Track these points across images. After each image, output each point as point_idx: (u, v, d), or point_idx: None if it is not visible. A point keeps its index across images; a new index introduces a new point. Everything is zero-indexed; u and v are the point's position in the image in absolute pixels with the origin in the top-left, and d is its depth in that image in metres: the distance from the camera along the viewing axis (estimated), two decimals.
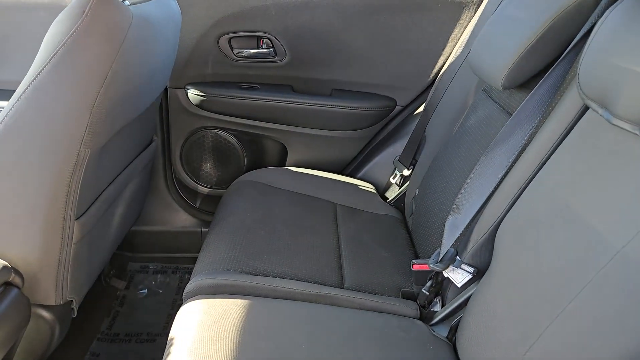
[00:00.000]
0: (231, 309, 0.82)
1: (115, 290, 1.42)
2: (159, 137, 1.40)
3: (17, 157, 0.77)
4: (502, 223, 0.79)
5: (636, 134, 0.56)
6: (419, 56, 1.39)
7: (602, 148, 0.63)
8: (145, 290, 1.46)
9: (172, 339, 0.77)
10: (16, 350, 0.86)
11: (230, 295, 0.86)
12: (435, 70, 1.40)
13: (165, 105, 1.42)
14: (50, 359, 1.01)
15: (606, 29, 0.64)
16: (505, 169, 0.82)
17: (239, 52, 1.39)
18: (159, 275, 1.51)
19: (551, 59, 0.82)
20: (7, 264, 0.76)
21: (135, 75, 0.84)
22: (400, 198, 1.38)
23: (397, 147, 1.44)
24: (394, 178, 1.42)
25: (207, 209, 1.56)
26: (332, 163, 1.52)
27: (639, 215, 0.54)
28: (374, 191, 1.42)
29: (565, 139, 0.72)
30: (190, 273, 1.43)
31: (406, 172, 1.36)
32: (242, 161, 1.53)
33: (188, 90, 1.41)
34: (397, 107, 1.47)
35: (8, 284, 0.76)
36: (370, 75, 1.43)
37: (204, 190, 1.56)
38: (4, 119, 0.76)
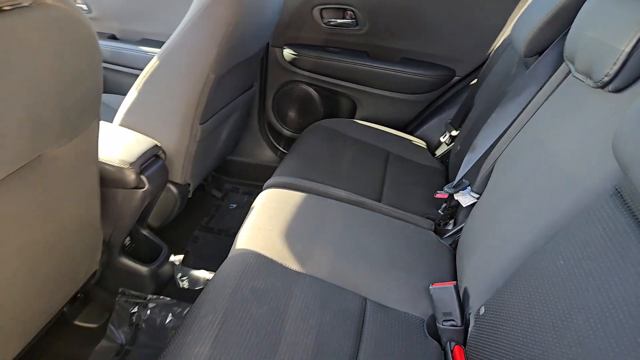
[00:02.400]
0: (290, 197, 1.16)
1: (214, 200, 1.85)
2: (258, 84, 1.78)
3: (170, 76, 1.17)
4: (499, 158, 1.03)
5: (585, 83, 0.78)
6: (480, 31, 1.59)
7: (568, 97, 0.85)
8: (235, 205, 1.87)
9: (246, 217, 1.13)
10: (153, 207, 1.29)
11: (293, 190, 1.20)
12: (493, 46, 1.60)
13: (265, 60, 1.79)
14: (168, 227, 1.45)
15: (587, 7, 0.85)
16: (514, 117, 1.05)
17: (328, 21, 1.71)
18: (246, 196, 1.92)
19: (563, 32, 1.02)
20: (158, 143, 1.18)
21: (248, 26, 1.20)
22: (447, 155, 1.62)
23: (451, 112, 1.68)
24: (443, 137, 1.66)
25: (287, 149, 1.93)
26: (393, 120, 1.80)
27: (586, 144, 0.77)
28: (425, 147, 1.68)
29: (552, 95, 0.94)
30: None
31: (454, 133, 1.60)
32: (319, 112, 1.86)
33: (284, 49, 1.77)
34: (455, 77, 1.69)
35: (157, 157, 1.18)
36: (435, 47, 1.67)
37: (287, 133, 1.92)
38: (163, 52, 1.17)
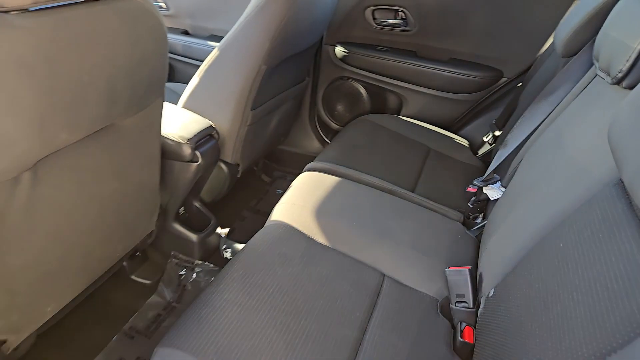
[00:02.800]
0: (325, 180, 1.26)
1: (263, 184, 1.99)
2: (310, 78, 1.89)
3: (226, 66, 1.31)
4: (526, 153, 1.06)
5: (605, 80, 0.81)
6: (529, 35, 1.59)
7: (591, 94, 0.87)
8: (281, 191, 2.00)
9: (284, 193, 1.24)
10: (205, 182, 1.44)
11: (329, 175, 1.30)
12: (541, 49, 1.59)
13: (318, 56, 1.90)
14: (219, 204, 1.60)
15: (616, 8, 0.86)
16: (545, 115, 1.07)
17: (380, 21, 1.79)
18: None
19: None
20: (213, 124, 1.32)
21: (300, 23, 1.31)
22: (489, 154, 1.64)
23: (496, 112, 1.69)
24: (487, 137, 1.67)
25: None
26: (438, 118, 1.83)
27: (601, 138, 0.80)
28: (467, 146, 1.70)
29: (580, 93, 0.95)
30: None
31: (497, 133, 1.61)
32: (366, 107, 1.94)
33: (336, 47, 1.87)
34: (502, 78, 1.70)
35: (211, 136, 1.32)
36: (484, 49, 1.69)
37: (334, 126, 2.02)
38: (222, 44, 1.31)
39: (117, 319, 1.27)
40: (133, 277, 1.38)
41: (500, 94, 1.72)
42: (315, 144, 2.04)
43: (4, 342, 0.84)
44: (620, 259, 0.56)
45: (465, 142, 1.72)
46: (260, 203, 1.87)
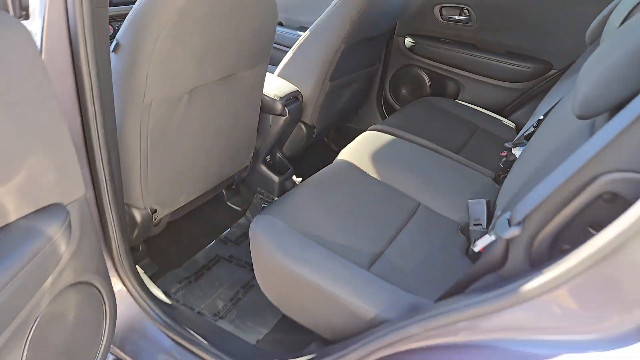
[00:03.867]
0: (383, 137, 1.57)
1: (332, 153, 2.34)
2: (381, 64, 2.22)
3: (314, 43, 1.68)
4: (545, 119, 1.30)
5: None
6: (579, 29, 1.78)
7: None
8: None
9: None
10: (288, 136, 1.82)
11: (387, 134, 1.61)
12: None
13: (390, 46, 2.22)
14: (296, 161, 1.97)
15: None
16: (569, 89, 1.31)
17: (447, 17, 2.07)
18: None
19: None
20: (299, 90, 1.70)
21: (374, 10, 1.64)
22: (531, 135, 1.85)
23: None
24: (532, 120, 1.89)
25: None
26: (491, 103, 2.07)
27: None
28: (514, 128, 1.93)
29: None
30: None
31: (541, 117, 1.82)
32: (427, 92, 2.22)
33: (406, 38, 2.18)
34: (552, 70, 1.91)
35: (296, 98, 1.70)
36: (537, 43, 1.90)
37: (398, 108, 2.32)
38: (313, 27, 1.67)
39: (216, 230, 1.69)
40: (229, 203, 1.79)
41: (550, 84, 1.93)
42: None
43: (155, 211, 1.27)
44: None
45: (512, 125, 1.95)
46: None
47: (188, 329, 1.13)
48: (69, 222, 0.69)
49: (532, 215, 0.69)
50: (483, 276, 0.77)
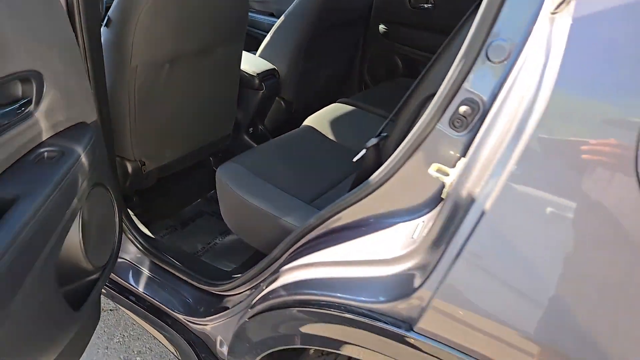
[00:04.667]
0: (346, 108, 1.79)
1: None
2: (359, 51, 2.44)
3: (287, 26, 1.91)
4: None
5: None
6: None
7: None
8: None
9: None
10: (268, 110, 2.05)
11: (350, 106, 1.83)
12: None
13: (367, 32, 2.43)
14: (277, 132, 2.20)
15: None
16: None
17: (415, 4, 2.27)
18: None
19: None
20: (276, 68, 1.93)
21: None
22: None
23: None
24: None
25: None
26: None
27: None
28: None
29: None
30: None
31: None
32: (401, 75, 2.43)
33: (380, 25, 2.39)
34: None
35: (273, 75, 1.93)
36: None
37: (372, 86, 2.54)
38: (287, 12, 1.91)
39: (203, 191, 1.93)
40: (215, 169, 2.03)
41: None
42: None
43: (144, 164, 1.51)
44: None
45: None
46: None
47: (168, 256, 1.37)
48: (94, 138, 0.95)
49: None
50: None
